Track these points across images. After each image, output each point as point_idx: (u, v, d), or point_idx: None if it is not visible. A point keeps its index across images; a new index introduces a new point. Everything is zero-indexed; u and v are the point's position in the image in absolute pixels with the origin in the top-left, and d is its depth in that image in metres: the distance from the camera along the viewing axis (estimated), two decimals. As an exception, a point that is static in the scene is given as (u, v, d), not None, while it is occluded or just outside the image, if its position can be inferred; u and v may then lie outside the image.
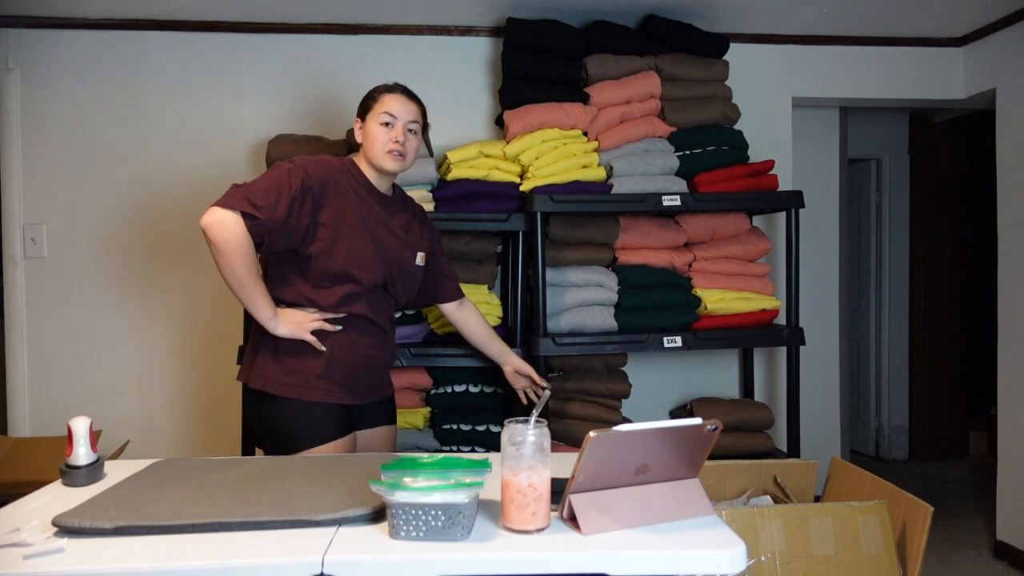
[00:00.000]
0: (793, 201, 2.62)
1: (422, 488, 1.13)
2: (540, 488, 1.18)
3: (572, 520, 1.21)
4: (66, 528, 1.18)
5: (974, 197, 4.46)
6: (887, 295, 4.54)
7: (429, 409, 2.60)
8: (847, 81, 3.16)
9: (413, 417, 2.58)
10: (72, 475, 1.45)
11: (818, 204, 3.38)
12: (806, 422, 2.89)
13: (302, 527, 1.20)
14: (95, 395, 2.88)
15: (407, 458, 1.26)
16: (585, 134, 2.64)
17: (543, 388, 2.20)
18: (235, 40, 2.89)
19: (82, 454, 1.46)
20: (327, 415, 1.81)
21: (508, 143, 2.59)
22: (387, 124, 1.85)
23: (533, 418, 1.20)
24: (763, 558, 1.78)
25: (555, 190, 2.50)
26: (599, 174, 2.60)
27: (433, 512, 1.13)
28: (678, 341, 2.52)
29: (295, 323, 1.78)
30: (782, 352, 2.89)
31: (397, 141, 1.84)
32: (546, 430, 1.20)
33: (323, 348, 1.80)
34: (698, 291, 2.61)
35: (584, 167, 2.59)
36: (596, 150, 2.64)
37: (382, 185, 1.92)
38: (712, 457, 1.47)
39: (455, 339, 2.41)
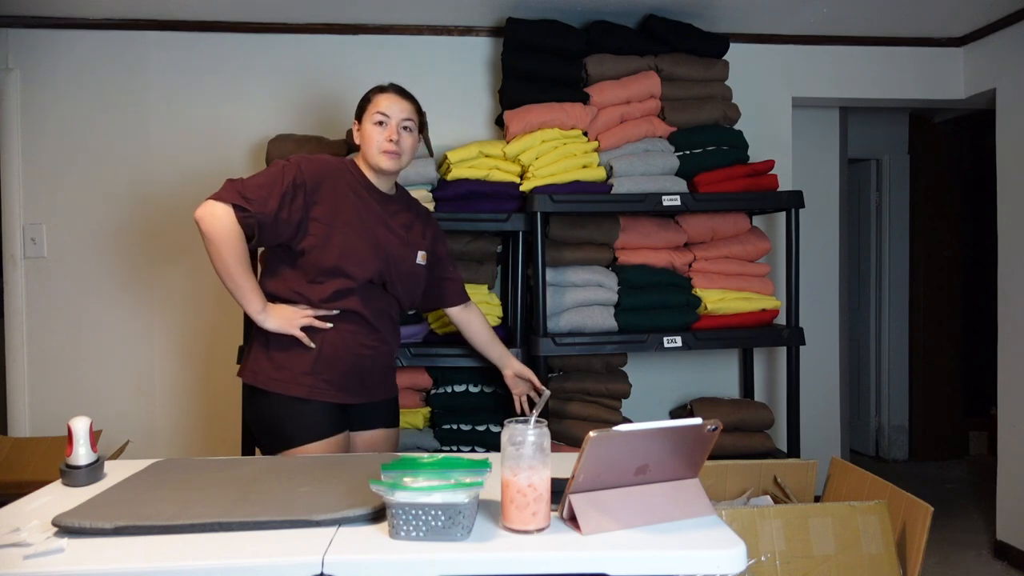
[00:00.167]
0: (793, 201, 2.62)
1: (422, 488, 1.13)
2: (540, 488, 1.18)
3: (572, 520, 1.21)
4: (66, 528, 1.18)
5: (974, 197, 4.46)
6: (887, 295, 4.54)
7: (429, 409, 2.60)
8: (847, 81, 3.16)
9: (413, 417, 2.58)
10: (72, 475, 1.45)
11: (818, 204, 3.38)
12: (806, 422, 2.89)
13: (302, 527, 1.20)
14: (95, 395, 2.88)
15: (407, 458, 1.26)
16: (585, 134, 2.64)
17: (539, 392, 2.20)
18: (235, 40, 2.90)
19: (82, 454, 1.46)
20: (316, 412, 1.81)
21: (508, 143, 2.59)
22: (381, 123, 1.86)
23: (533, 418, 1.20)
24: (763, 558, 1.78)
25: (555, 190, 2.50)
26: (599, 174, 2.60)
27: (433, 512, 1.13)
28: (678, 341, 2.52)
29: (284, 318, 1.79)
30: (782, 352, 2.89)
31: (391, 140, 1.85)
32: (546, 430, 1.20)
33: (312, 345, 1.80)
34: (698, 291, 2.61)
35: (584, 167, 2.59)
36: (596, 150, 2.64)
37: (382, 185, 1.93)
38: (712, 457, 1.47)
39: (455, 339, 2.41)
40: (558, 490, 1.22)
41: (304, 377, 1.80)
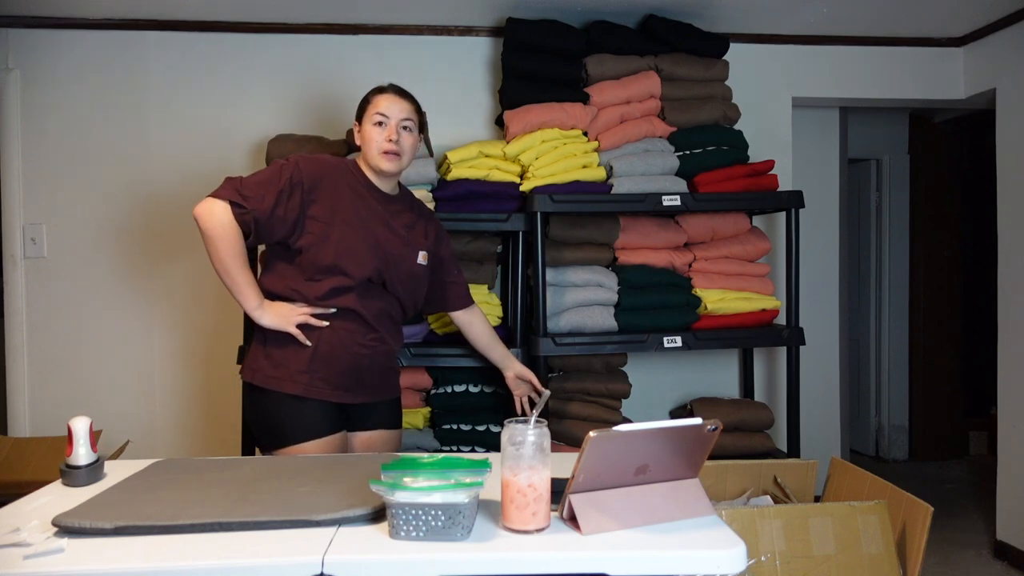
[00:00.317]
0: (793, 201, 2.62)
1: (422, 488, 1.13)
2: (540, 488, 1.18)
3: (572, 520, 1.21)
4: (66, 528, 1.18)
5: (974, 197, 4.46)
6: (887, 295, 4.54)
7: (429, 409, 2.60)
8: (847, 81, 3.16)
9: (413, 417, 2.58)
10: (72, 475, 1.45)
11: (818, 204, 3.38)
12: (806, 422, 2.89)
13: (302, 527, 1.20)
14: (95, 395, 2.88)
15: (407, 458, 1.26)
16: (585, 134, 2.63)
17: (539, 393, 2.20)
18: (235, 40, 2.90)
19: (82, 454, 1.46)
20: (313, 411, 1.81)
21: (508, 143, 2.59)
22: (380, 124, 1.87)
23: (533, 418, 1.20)
24: (763, 558, 1.78)
25: (555, 190, 2.50)
26: (599, 174, 2.60)
27: (433, 512, 1.13)
28: (678, 341, 2.52)
29: (281, 315, 1.80)
30: (782, 352, 2.89)
31: (391, 140, 1.85)
32: (546, 430, 1.20)
33: (308, 343, 1.81)
34: (698, 291, 2.61)
35: (584, 167, 2.59)
36: (596, 150, 2.64)
37: (384, 185, 1.93)
38: (712, 457, 1.47)
39: (455, 339, 2.41)
40: (558, 490, 1.22)
41: (300, 375, 1.81)
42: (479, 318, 2.19)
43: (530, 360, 2.47)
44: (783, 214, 2.79)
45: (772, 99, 3.09)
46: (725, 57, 2.77)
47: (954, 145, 4.53)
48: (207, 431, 2.92)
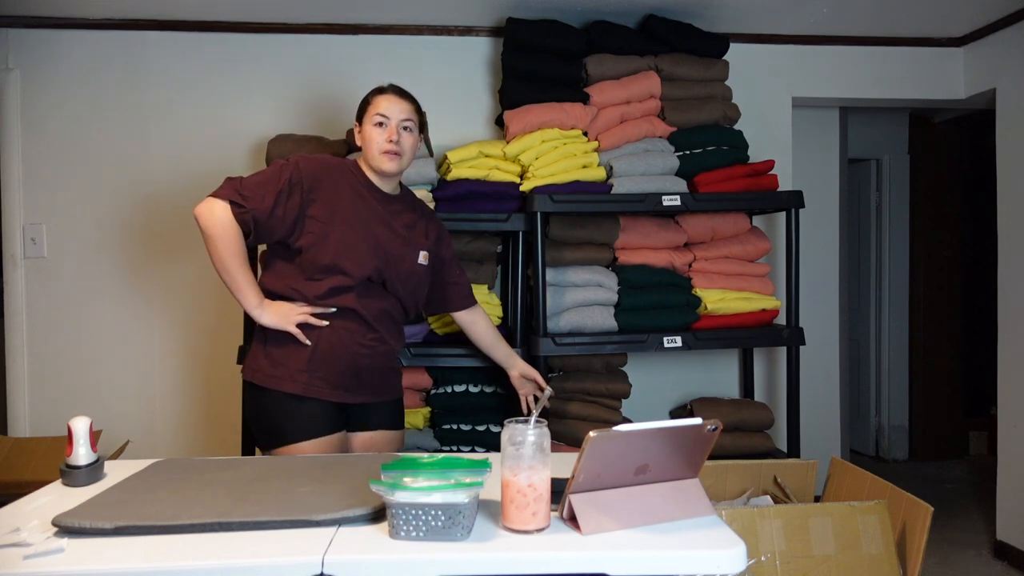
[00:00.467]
0: (793, 201, 2.62)
1: (422, 488, 1.13)
2: (540, 488, 1.18)
3: (572, 520, 1.21)
4: (66, 528, 1.18)
5: (974, 197, 4.46)
6: (887, 295, 4.54)
7: (429, 409, 2.60)
8: (847, 81, 3.16)
9: (413, 417, 2.58)
10: (72, 475, 1.45)
11: (818, 204, 3.38)
12: (806, 422, 2.89)
13: (302, 527, 1.20)
14: (95, 395, 2.88)
15: (407, 458, 1.26)
16: (585, 134, 2.63)
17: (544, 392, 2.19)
18: (235, 40, 2.90)
19: (82, 454, 1.46)
20: (312, 410, 1.82)
21: (508, 143, 2.59)
22: (381, 124, 1.87)
23: (533, 418, 1.20)
24: (763, 558, 1.78)
25: (555, 190, 2.50)
26: (599, 174, 2.60)
27: (433, 512, 1.13)
28: (678, 341, 2.52)
29: (281, 314, 1.80)
30: (782, 352, 2.89)
31: (391, 140, 1.86)
32: (546, 430, 1.20)
33: (308, 342, 1.81)
34: (698, 291, 2.61)
35: (584, 167, 2.59)
36: (596, 150, 2.64)
37: (385, 185, 1.93)
38: (712, 457, 1.47)
39: (455, 339, 2.41)
40: (558, 490, 1.22)
41: (300, 374, 1.81)
42: (482, 318, 2.19)
43: (530, 360, 2.46)
44: (783, 214, 2.78)
45: (772, 99, 3.09)
46: (725, 57, 2.77)
47: (954, 145, 4.53)
48: (207, 431, 2.92)
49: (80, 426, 1.46)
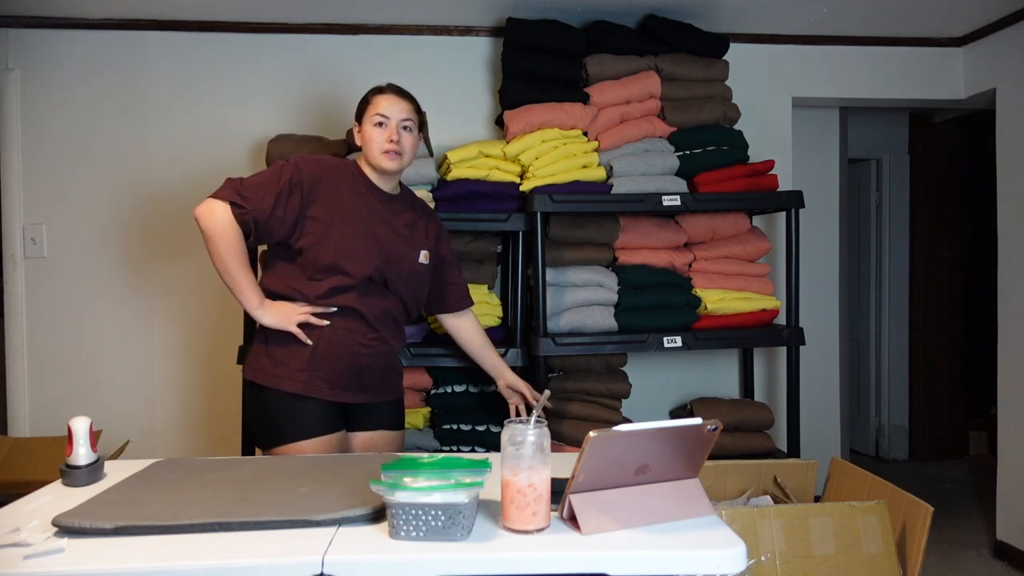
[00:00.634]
0: (793, 201, 2.62)
1: (422, 488, 1.13)
2: (540, 488, 1.18)
3: (572, 520, 1.21)
4: (66, 528, 1.18)
5: (974, 197, 4.46)
6: (887, 295, 4.54)
7: (429, 409, 2.60)
8: (847, 81, 3.15)
9: (413, 417, 2.58)
10: (72, 475, 1.45)
11: (818, 204, 3.38)
12: (806, 422, 2.89)
13: (302, 527, 1.20)
14: (95, 395, 2.88)
15: (407, 458, 1.26)
16: (585, 134, 2.63)
17: (536, 402, 2.18)
18: (235, 40, 2.90)
19: (82, 454, 1.46)
20: (312, 410, 1.82)
21: (508, 143, 2.59)
22: (380, 124, 1.88)
23: (533, 418, 1.20)
24: (763, 558, 1.78)
25: (555, 190, 2.50)
26: (599, 174, 2.60)
27: (433, 512, 1.13)
28: (678, 341, 2.52)
29: (282, 314, 1.81)
30: (782, 352, 2.89)
31: (391, 140, 1.86)
32: (546, 430, 1.20)
33: (309, 342, 1.81)
34: (698, 291, 2.61)
35: (584, 167, 2.59)
36: (596, 150, 2.64)
37: (385, 185, 1.93)
38: (712, 457, 1.47)
39: (455, 339, 2.41)
40: (558, 490, 1.22)
41: (300, 374, 1.81)
42: (470, 323, 2.17)
43: (530, 360, 2.47)
44: (783, 214, 2.78)
45: (772, 99, 3.09)
46: (725, 57, 2.77)
47: (954, 145, 4.53)
48: (207, 430, 2.92)
49: (80, 426, 1.46)
